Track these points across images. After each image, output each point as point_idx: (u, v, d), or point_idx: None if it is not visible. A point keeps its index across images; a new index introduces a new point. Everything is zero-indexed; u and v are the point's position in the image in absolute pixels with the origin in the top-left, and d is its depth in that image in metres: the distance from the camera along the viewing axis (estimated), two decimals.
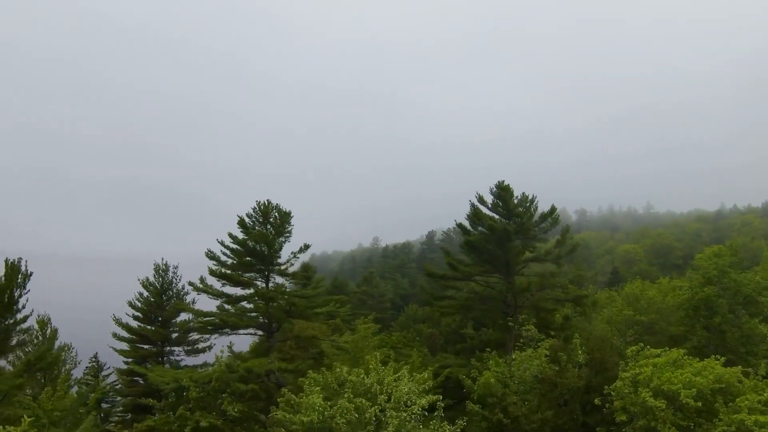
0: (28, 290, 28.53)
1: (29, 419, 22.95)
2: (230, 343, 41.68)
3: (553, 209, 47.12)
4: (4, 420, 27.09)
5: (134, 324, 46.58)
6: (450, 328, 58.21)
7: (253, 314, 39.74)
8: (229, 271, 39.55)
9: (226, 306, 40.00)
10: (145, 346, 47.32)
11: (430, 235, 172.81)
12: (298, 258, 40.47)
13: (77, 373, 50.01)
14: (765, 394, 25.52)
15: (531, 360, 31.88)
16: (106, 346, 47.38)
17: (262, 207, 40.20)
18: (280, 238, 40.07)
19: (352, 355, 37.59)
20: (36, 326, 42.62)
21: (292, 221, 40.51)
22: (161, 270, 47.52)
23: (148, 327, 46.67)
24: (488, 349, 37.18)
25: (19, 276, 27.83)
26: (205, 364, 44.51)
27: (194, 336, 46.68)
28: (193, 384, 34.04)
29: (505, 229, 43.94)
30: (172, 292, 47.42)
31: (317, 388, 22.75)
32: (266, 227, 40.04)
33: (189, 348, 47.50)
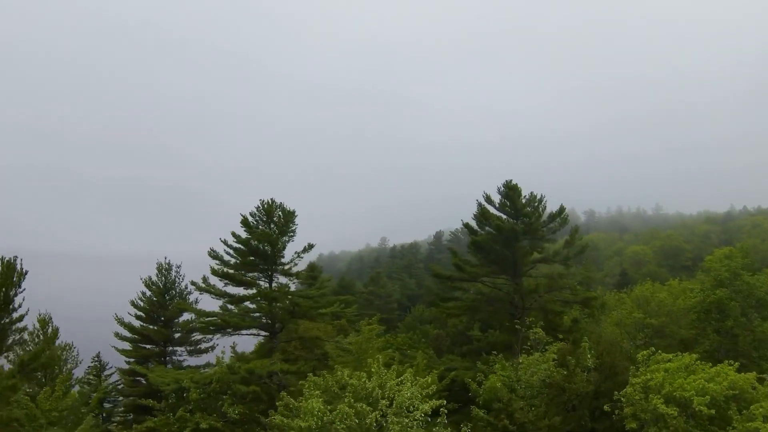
0: (24, 289, 28.04)
1: None
2: (233, 343, 41.23)
3: (561, 209, 46.31)
4: None
5: (136, 323, 46.17)
6: (456, 329, 57.59)
7: (256, 314, 39.20)
8: (231, 271, 39.03)
9: (229, 306, 39.46)
10: (148, 346, 46.91)
11: (438, 236, 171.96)
12: (302, 258, 39.87)
13: (79, 372, 49.55)
14: None
15: (538, 364, 31.16)
16: (109, 346, 46.99)
17: (265, 206, 39.61)
18: (284, 238, 39.49)
19: (355, 356, 37.06)
20: (37, 325, 42.20)
21: (297, 220, 39.96)
22: (164, 269, 47.09)
23: (151, 327, 46.25)
24: (495, 352, 36.51)
25: (15, 275, 27.31)
26: (207, 365, 44.01)
27: (197, 336, 46.18)
28: (194, 385, 33.49)
29: (512, 229, 43.19)
30: (175, 291, 46.98)
31: (317, 392, 22.14)
32: (270, 226, 39.47)
33: (191, 348, 47.05)
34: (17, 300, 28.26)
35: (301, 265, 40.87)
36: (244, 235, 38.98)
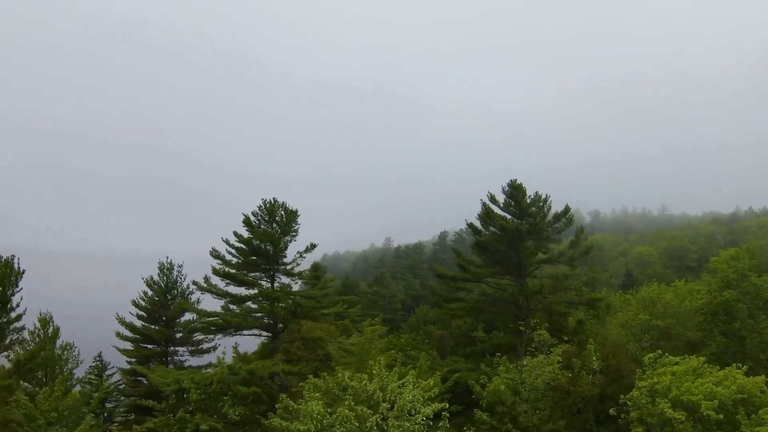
0: (21, 288, 27.71)
1: None
2: (235, 344, 40.84)
3: (567, 209, 45.88)
4: None
5: (138, 323, 45.90)
6: (460, 330, 57.17)
7: (258, 315, 38.91)
8: (233, 271, 38.76)
9: (231, 306, 39.15)
10: (149, 346, 46.60)
11: (443, 236, 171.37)
12: (304, 258, 39.58)
13: (80, 372, 49.23)
14: None
15: (543, 366, 30.65)
16: (110, 345, 46.68)
17: (267, 205, 39.33)
18: (286, 237, 39.22)
19: (358, 357, 36.66)
20: (38, 324, 41.91)
21: (299, 220, 39.66)
22: (166, 269, 46.81)
23: (152, 326, 45.95)
24: (499, 354, 36.03)
25: (12, 274, 27.00)
26: (209, 365, 43.63)
27: (198, 336, 45.85)
28: (194, 386, 33.15)
29: (517, 229, 42.75)
30: (177, 291, 46.70)
31: (317, 394, 21.75)
32: (272, 226, 39.19)
33: (193, 348, 46.74)
34: (15, 299, 27.96)
35: (305, 265, 40.70)
36: (246, 234, 38.74)
